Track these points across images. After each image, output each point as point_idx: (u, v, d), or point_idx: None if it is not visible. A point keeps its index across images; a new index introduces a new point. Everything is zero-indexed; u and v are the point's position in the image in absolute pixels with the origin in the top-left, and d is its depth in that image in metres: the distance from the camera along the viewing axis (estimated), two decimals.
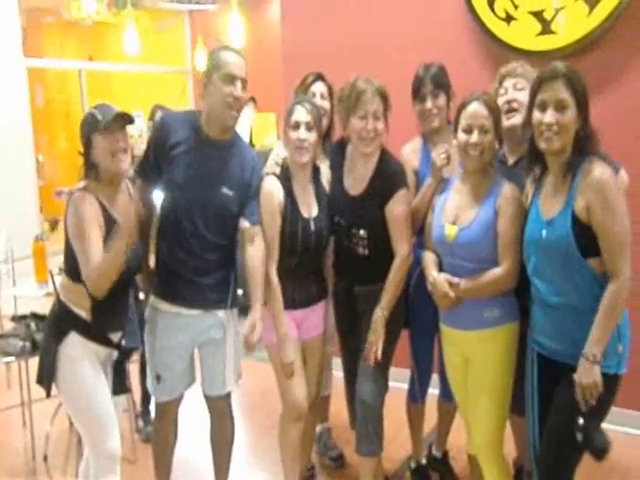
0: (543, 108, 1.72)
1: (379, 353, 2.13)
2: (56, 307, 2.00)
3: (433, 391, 2.54)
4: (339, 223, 2.23)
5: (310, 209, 2.21)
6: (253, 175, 2.15)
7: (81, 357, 1.93)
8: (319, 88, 2.49)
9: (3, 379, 3.55)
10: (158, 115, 3.60)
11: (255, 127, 5.67)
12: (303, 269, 2.22)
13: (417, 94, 2.28)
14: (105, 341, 2.00)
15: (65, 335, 1.92)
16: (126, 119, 1.91)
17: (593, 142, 1.73)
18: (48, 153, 7.07)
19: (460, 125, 1.95)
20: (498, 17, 2.98)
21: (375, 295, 2.19)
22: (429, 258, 2.09)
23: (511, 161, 2.17)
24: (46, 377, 1.94)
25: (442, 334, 2.15)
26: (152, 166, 2.14)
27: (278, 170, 2.22)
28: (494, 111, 1.93)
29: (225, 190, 2.09)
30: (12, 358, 2.87)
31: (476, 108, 1.91)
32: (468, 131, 1.92)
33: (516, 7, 2.92)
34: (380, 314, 2.14)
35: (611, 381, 1.71)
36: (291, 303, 2.21)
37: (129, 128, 1.94)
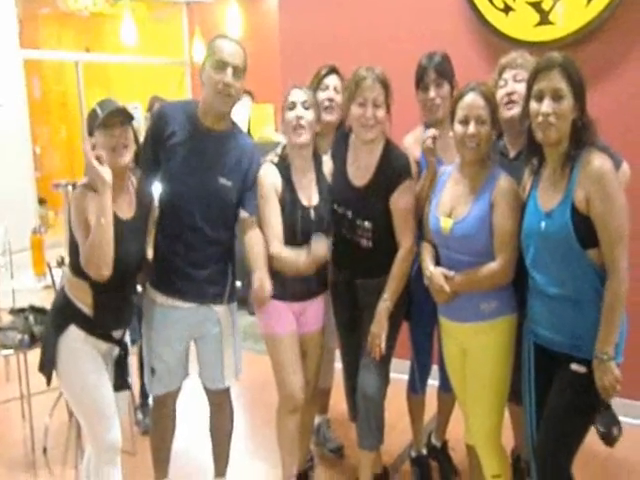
0: (540, 98, 1.72)
1: (383, 345, 2.13)
2: (59, 299, 2.00)
3: (433, 382, 2.55)
4: (344, 214, 2.20)
5: (310, 198, 2.19)
6: (251, 165, 2.14)
7: (81, 349, 1.94)
8: (332, 81, 2.46)
9: (2, 372, 3.56)
10: (156, 106, 3.58)
11: (253, 119, 5.65)
12: None
13: (420, 83, 2.26)
14: (106, 337, 2.00)
15: (65, 327, 1.92)
16: (124, 115, 1.88)
17: (591, 132, 1.73)
18: (45, 145, 7.04)
19: (456, 116, 1.93)
20: (496, 7, 2.96)
21: (377, 288, 2.18)
22: (426, 250, 2.09)
23: (512, 153, 2.15)
24: (47, 366, 1.95)
25: (440, 326, 2.15)
26: (150, 157, 2.12)
27: (276, 159, 2.21)
28: (491, 101, 1.91)
29: (222, 180, 2.08)
30: (11, 351, 2.87)
31: (472, 99, 1.90)
32: (464, 122, 1.90)
33: None
34: (384, 306, 2.14)
35: None
36: (290, 296, 2.20)
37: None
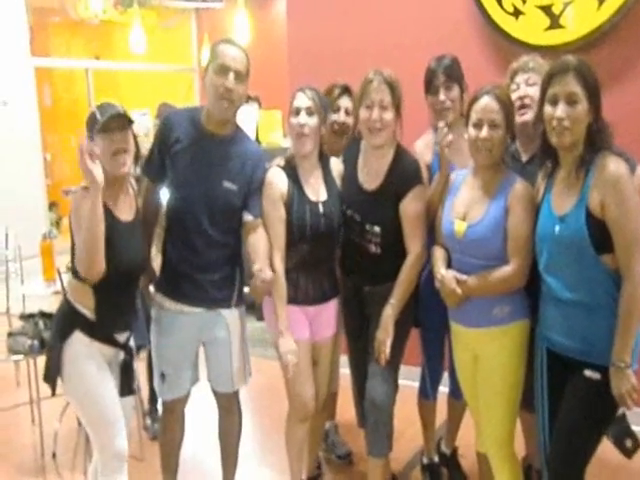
0: (554, 102, 1.70)
1: (387, 352, 2.11)
2: (62, 306, 2.00)
3: (443, 388, 2.52)
4: (353, 218, 2.19)
5: (318, 193, 2.18)
6: (256, 169, 2.13)
7: (86, 356, 1.93)
8: (345, 103, 2.41)
9: (12, 377, 3.56)
10: (163, 113, 3.60)
11: (261, 124, 5.67)
12: (315, 259, 2.18)
13: (429, 86, 2.25)
14: (110, 341, 1.99)
15: (70, 334, 1.92)
16: (124, 119, 1.87)
17: (606, 136, 1.71)
18: (56, 152, 7.09)
19: (470, 119, 1.92)
20: (506, 11, 2.95)
21: (385, 295, 2.16)
22: (438, 254, 2.07)
23: (525, 158, 2.14)
24: (52, 375, 1.94)
25: (452, 331, 2.13)
26: (157, 164, 2.14)
27: (283, 162, 2.20)
28: (505, 105, 1.89)
29: (227, 184, 2.08)
30: (21, 356, 2.89)
31: (487, 102, 1.88)
32: (478, 126, 1.89)
33: (524, 1, 2.90)
34: (390, 312, 2.12)
35: None
36: (304, 297, 2.18)
37: (135, 128, 1.92)
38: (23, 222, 4.42)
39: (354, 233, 2.21)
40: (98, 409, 1.93)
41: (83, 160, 1.75)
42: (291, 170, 2.16)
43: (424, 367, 2.48)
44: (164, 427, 2.32)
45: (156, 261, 2.26)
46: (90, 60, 7.27)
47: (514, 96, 2.09)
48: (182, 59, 7.30)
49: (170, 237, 2.16)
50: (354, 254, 2.23)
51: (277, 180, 2.14)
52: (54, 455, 2.88)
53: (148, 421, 3.06)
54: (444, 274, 1.98)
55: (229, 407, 2.31)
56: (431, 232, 2.22)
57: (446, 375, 2.49)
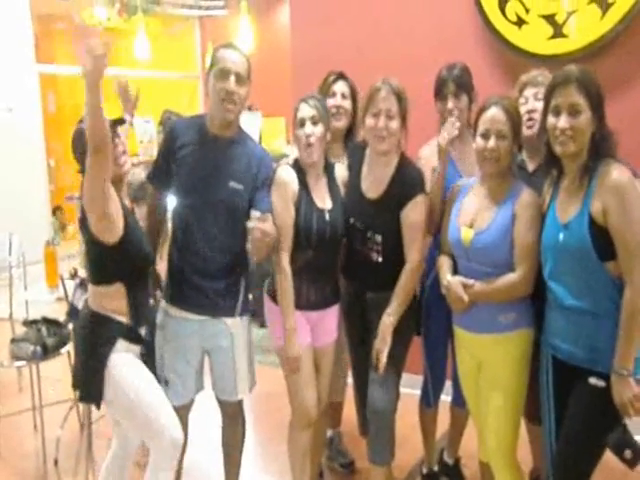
0: (557, 113, 1.71)
1: (384, 361, 2.10)
2: (91, 322, 1.98)
3: (445, 397, 2.52)
4: (355, 225, 2.20)
5: (324, 201, 2.19)
6: (261, 167, 2.13)
7: (126, 358, 1.95)
8: (340, 87, 2.49)
9: (14, 383, 3.56)
10: (168, 121, 3.63)
11: (264, 132, 5.69)
12: (318, 265, 2.19)
13: (439, 94, 2.27)
14: (139, 339, 2.01)
15: (113, 345, 1.93)
16: (117, 124, 1.94)
17: (610, 144, 1.71)
18: (59, 158, 7.12)
19: (478, 130, 1.93)
20: (509, 20, 2.96)
21: (387, 303, 2.17)
22: (443, 261, 2.07)
23: (531, 168, 2.15)
24: (96, 393, 1.93)
25: (455, 337, 2.12)
26: (163, 172, 2.16)
27: (292, 161, 2.21)
28: (513, 116, 1.90)
29: (233, 184, 2.08)
30: (23, 362, 2.88)
31: (494, 113, 1.89)
32: (486, 136, 1.90)
33: (527, 10, 2.91)
34: (387, 322, 2.11)
35: None
36: (306, 303, 2.19)
37: (137, 134, 1.96)
38: (27, 228, 4.43)
39: (356, 241, 2.21)
40: (149, 403, 1.92)
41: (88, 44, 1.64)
42: (299, 173, 2.17)
43: (426, 375, 2.48)
44: None
45: (161, 268, 2.26)
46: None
47: (522, 110, 2.09)
48: (186, 66, 7.33)
49: (175, 244, 2.17)
50: (356, 261, 2.24)
51: (290, 180, 2.14)
52: (56, 462, 2.87)
53: None
54: (450, 280, 1.98)
55: (233, 415, 2.31)
56: (435, 236, 2.23)
57: (448, 384, 2.48)
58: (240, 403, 2.30)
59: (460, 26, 3.13)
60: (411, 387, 2.67)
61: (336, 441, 2.83)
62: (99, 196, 1.81)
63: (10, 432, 3.19)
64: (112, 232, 1.88)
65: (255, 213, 2.04)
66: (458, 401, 2.39)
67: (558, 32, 2.84)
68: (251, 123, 5.15)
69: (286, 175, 2.15)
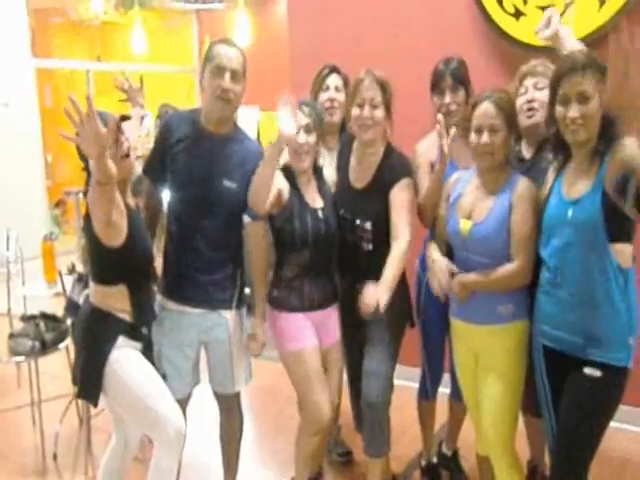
0: (566, 102, 1.70)
1: (382, 303, 1.98)
2: (93, 318, 1.98)
3: (443, 389, 2.52)
4: (344, 216, 2.21)
5: (315, 201, 2.20)
6: (256, 167, 2.09)
7: (128, 354, 1.95)
8: (334, 81, 2.49)
9: (13, 378, 3.56)
10: (167, 114, 3.62)
11: (262, 126, 5.67)
12: (317, 265, 2.18)
13: (436, 88, 2.26)
14: (141, 337, 2.02)
15: (114, 342, 1.93)
16: (122, 119, 1.93)
17: (619, 125, 1.69)
18: (57, 153, 7.10)
19: (472, 125, 1.93)
20: (507, 12, 2.95)
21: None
22: (431, 245, 2.09)
23: (528, 156, 2.14)
24: (94, 390, 1.93)
25: (452, 328, 2.12)
26: (157, 165, 2.15)
27: (281, 164, 2.19)
28: (504, 109, 1.89)
29: (226, 182, 2.08)
30: (22, 358, 2.88)
31: (485, 108, 1.89)
32: (479, 131, 1.90)
33: (525, 2, 2.89)
34: (381, 287, 2.02)
35: (621, 374, 1.71)
36: (310, 304, 2.17)
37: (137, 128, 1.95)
38: (24, 224, 4.43)
39: (346, 232, 2.22)
40: (150, 395, 1.92)
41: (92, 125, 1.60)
42: (290, 175, 2.17)
43: (424, 367, 2.48)
44: None
45: (158, 262, 2.26)
46: (91, 61, 7.28)
47: (522, 99, 2.09)
48: (183, 60, 7.30)
49: (171, 238, 2.17)
50: (348, 253, 2.24)
51: (279, 178, 2.11)
52: (55, 457, 2.88)
53: None
54: (437, 258, 2.02)
55: (230, 409, 2.31)
56: (431, 232, 2.23)
57: (447, 377, 2.48)
58: (237, 396, 2.30)
59: (458, 18, 3.12)
60: (409, 380, 2.68)
61: (334, 433, 2.83)
62: (106, 205, 1.77)
63: (9, 427, 3.20)
64: (117, 237, 1.86)
65: (247, 219, 2.09)
66: (456, 395, 2.39)
67: None
68: (249, 117, 5.14)
69: (277, 184, 2.08)
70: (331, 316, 2.25)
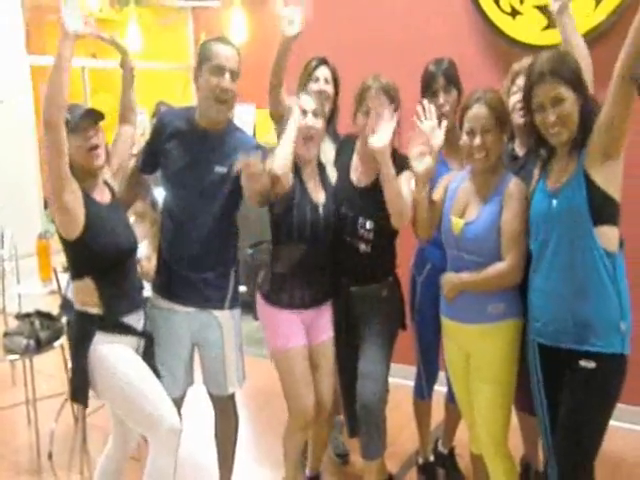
0: (543, 109, 1.72)
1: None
2: (74, 320, 1.99)
3: (439, 388, 2.52)
4: (346, 214, 2.19)
5: (318, 196, 2.19)
6: (249, 152, 2.06)
7: (112, 351, 1.93)
8: (323, 72, 2.49)
9: (8, 377, 3.55)
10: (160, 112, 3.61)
11: (258, 123, 5.65)
12: (312, 261, 2.18)
13: (428, 89, 2.26)
14: (125, 329, 1.98)
15: (90, 340, 1.92)
16: (96, 116, 1.92)
17: (595, 114, 1.71)
18: None
19: (464, 127, 1.94)
20: (503, 11, 2.95)
21: (372, 296, 2.18)
22: None
23: (521, 153, 2.14)
24: (81, 391, 1.93)
25: (443, 328, 2.12)
26: (151, 161, 2.15)
27: None
28: (496, 109, 1.90)
29: (218, 168, 2.07)
30: (17, 356, 2.87)
31: (476, 110, 1.90)
32: (471, 134, 1.91)
33: (521, 1, 2.90)
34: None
35: (617, 362, 1.71)
36: (301, 302, 2.18)
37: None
38: (19, 221, 4.40)
39: (346, 231, 2.20)
40: (142, 392, 1.91)
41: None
42: (295, 165, 2.14)
43: (419, 366, 2.48)
44: None
45: (152, 260, 2.25)
46: (86, 58, 7.24)
47: (515, 99, 2.09)
48: (179, 57, 7.27)
49: (164, 235, 2.16)
50: (345, 254, 2.22)
51: (285, 172, 2.05)
52: (50, 455, 2.87)
53: None
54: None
55: (224, 410, 2.30)
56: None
57: (442, 376, 2.48)
58: (232, 397, 2.29)
59: (454, 16, 3.12)
60: (405, 378, 2.68)
61: (337, 430, 2.83)
62: (55, 184, 1.78)
63: (4, 426, 3.19)
64: (72, 227, 1.85)
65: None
66: (452, 397, 2.39)
67: (552, 23, 2.81)
68: (244, 116, 5.12)
69: (273, 166, 2.05)
70: (323, 315, 2.25)
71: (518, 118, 2.06)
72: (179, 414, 2.27)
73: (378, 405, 2.15)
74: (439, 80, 2.22)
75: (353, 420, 2.27)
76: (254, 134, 5.45)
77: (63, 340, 2.94)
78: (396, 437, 2.42)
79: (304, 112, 2.11)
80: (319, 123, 2.13)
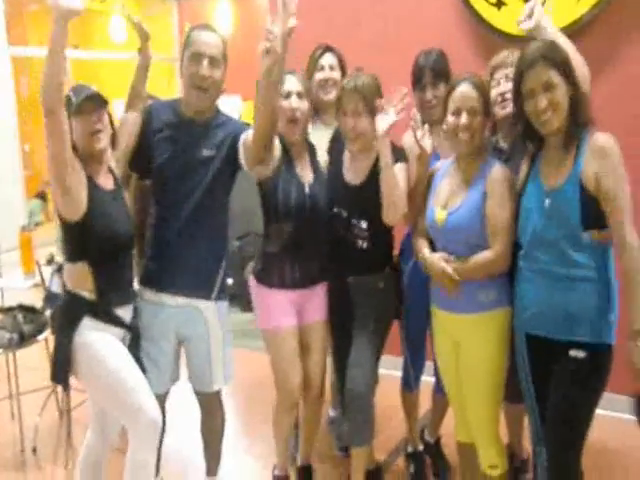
0: (533, 96, 1.72)
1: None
2: (64, 300, 1.98)
3: (425, 378, 2.53)
4: (339, 214, 2.19)
5: (305, 175, 2.18)
6: (239, 132, 2.07)
7: (98, 338, 1.91)
8: (328, 60, 2.47)
9: None
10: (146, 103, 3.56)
11: (245, 116, 5.62)
12: (301, 241, 2.17)
13: (417, 84, 2.26)
14: (114, 319, 1.97)
15: (78, 323, 1.90)
16: (100, 100, 1.89)
17: (586, 108, 1.73)
18: (35, 143, 6.97)
19: (449, 108, 1.92)
20: (488, 2, 2.96)
21: (369, 286, 2.18)
22: (420, 242, 2.07)
23: (506, 147, 2.15)
24: (62, 371, 1.91)
25: (433, 317, 2.12)
26: (143, 158, 2.11)
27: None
28: (483, 92, 1.90)
29: (206, 152, 2.05)
30: (0, 350, 2.84)
31: (464, 90, 1.88)
32: (457, 113, 1.89)
33: None
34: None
35: (605, 352, 1.74)
36: (291, 282, 2.18)
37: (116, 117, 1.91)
38: (1, 215, 4.34)
39: (341, 229, 2.20)
40: (123, 385, 1.90)
41: None
42: (281, 143, 2.14)
43: (406, 358, 2.49)
44: None
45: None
46: (69, 49, 7.16)
47: (495, 92, 2.09)
48: (163, 49, 7.20)
49: (154, 226, 2.13)
50: (341, 250, 2.22)
51: (276, 143, 2.09)
52: (35, 450, 2.85)
53: None
54: (428, 256, 1.99)
55: (209, 408, 2.28)
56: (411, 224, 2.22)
57: (429, 365, 2.50)
58: (217, 394, 2.27)
59: (440, 8, 3.12)
60: (393, 368, 2.69)
61: (338, 422, 2.83)
62: (57, 166, 1.76)
63: None
64: (74, 209, 1.84)
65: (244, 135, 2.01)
66: (440, 389, 2.40)
67: None
68: (230, 107, 5.08)
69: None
70: (316, 296, 2.25)
71: (500, 110, 2.07)
72: (162, 410, 2.26)
73: (366, 393, 2.16)
74: (427, 74, 2.22)
75: (344, 406, 2.28)
76: None
77: (47, 333, 2.91)
78: (384, 426, 2.43)
79: (288, 94, 2.09)
80: (304, 105, 2.12)
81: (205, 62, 1.98)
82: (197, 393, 2.26)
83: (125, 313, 2.02)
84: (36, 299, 3.09)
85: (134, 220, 2.12)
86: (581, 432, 1.77)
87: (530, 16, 1.97)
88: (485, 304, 1.93)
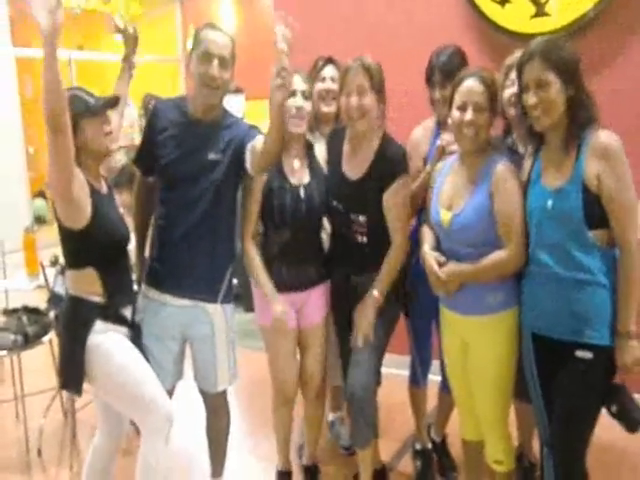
0: (527, 90, 1.71)
1: (371, 337, 2.11)
2: (69, 306, 1.96)
3: (432, 376, 2.52)
4: (337, 208, 2.18)
5: (301, 177, 2.18)
6: (244, 138, 2.06)
7: (110, 339, 1.91)
8: (329, 72, 2.47)
9: None
10: (151, 104, 3.57)
11: (248, 115, 5.62)
12: (298, 245, 2.17)
13: (429, 81, 2.26)
14: (121, 319, 1.97)
15: (90, 328, 1.89)
16: (114, 103, 1.94)
17: (588, 108, 1.70)
18: (39, 144, 6.99)
19: (454, 102, 1.88)
20: (492, 0, 2.93)
21: (371, 282, 2.16)
22: (426, 234, 2.06)
23: (522, 150, 2.11)
24: (75, 379, 1.90)
25: (441, 316, 2.10)
26: (148, 156, 2.11)
27: None
28: (490, 87, 1.86)
29: (212, 155, 2.04)
30: (4, 352, 2.84)
31: (471, 85, 1.85)
32: (462, 108, 1.86)
33: None
34: (370, 302, 2.11)
35: (610, 353, 1.72)
36: (290, 285, 2.18)
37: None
38: (5, 216, 4.36)
39: (340, 224, 2.19)
40: (140, 379, 1.90)
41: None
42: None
43: (413, 355, 2.48)
44: None
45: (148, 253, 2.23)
46: (73, 50, 7.16)
47: (509, 92, 2.06)
48: (167, 49, 7.21)
49: (159, 227, 2.12)
50: (342, 245, 2.22)
51: None
52: (39, 451, 2.85)
53: None
54: (427, 251, 1.99)
55: (215, 408, 2.28)
56: (419, 214, 2.23)
57: (437, 365, 2.48)
58: (223, 394, 2.26)
59: (444, 5, 3.10)
60: (398, 367, 2.68)
61: (337, 424, 2.85)
62: (63, 180, 1.75)
63: None
64: (79, 218, 1.83)
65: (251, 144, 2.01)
66: (446, 387, 2.38)
67: (540, 11, 2.83)
68: (234, 106, 5.08)
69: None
70: (314, 296, 2.25)
71: (514, 110, 2.04)
72: None
73: (366, 395, 2.13)
74: (436, 74, 2.22)
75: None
76: None
77: (51, 335, 2.91)
78: (389, 425, 2.41)
79: (294, 92, 2.10)
80: (308, 105, 2.14)
81: (215, 62, 1.98)
82: (202, 393, 2.26)
83: (128, 312, 2.02)
84: (40, 300, 3.09)
85: (136, 218, 2.12)
86: (586, 432, 1.76)
87: None
88: (493, 306, 1.91)
